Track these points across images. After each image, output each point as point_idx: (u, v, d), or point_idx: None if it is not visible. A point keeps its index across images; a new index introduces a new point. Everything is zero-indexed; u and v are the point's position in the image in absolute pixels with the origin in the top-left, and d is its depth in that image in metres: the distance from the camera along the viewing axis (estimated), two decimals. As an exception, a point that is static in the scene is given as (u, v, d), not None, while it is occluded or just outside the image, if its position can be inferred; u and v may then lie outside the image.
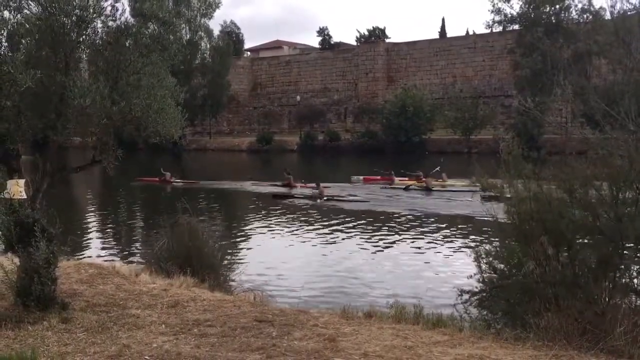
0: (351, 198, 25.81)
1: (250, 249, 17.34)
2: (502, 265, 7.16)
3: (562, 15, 50.88)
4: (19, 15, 6.51)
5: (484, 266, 7.29)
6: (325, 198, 25.40)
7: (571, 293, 6.08)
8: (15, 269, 6.33)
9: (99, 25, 6.84)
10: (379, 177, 31.01)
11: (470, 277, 7.64)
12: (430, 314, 6.61)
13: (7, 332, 5.70)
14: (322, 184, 26.47)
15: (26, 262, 6.14)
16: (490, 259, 7.27)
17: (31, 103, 6.48)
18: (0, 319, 5.92)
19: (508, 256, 7.02)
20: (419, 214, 22.76)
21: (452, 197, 25.64)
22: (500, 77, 63.70)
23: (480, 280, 7.31)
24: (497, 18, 53.45)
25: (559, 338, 5.41)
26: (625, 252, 5.94)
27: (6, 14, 6.29)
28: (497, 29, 56.53)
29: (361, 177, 31.32)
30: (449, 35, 78.11)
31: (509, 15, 52.90)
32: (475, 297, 7.25)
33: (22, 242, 6.16)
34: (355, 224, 21.21)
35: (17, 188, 6.39)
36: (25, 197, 6.52)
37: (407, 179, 29.68)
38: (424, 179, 28.50)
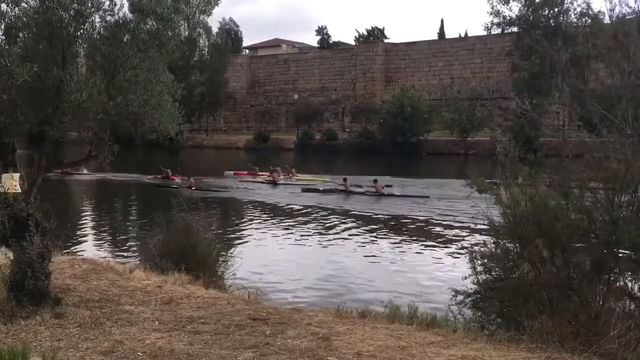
0: (214, 189, 29.59)
1: (245, 247, 17.33)
2: (496, 267, 7.16)
3: (561, 18, 50.99)
4: (16, 9, 6.47)
5: (478, 268, 7.29)
6: (194, 188, 28.83)
7: (565, 296, 6.08)
8: (8, 263, 6.30)
9: (97, 19, 6.80)
10: (245, 172, 35.02)
11: (465, 278, 7.64)
12: (424, 314, 6.61)
13: (-1, 326, 5.68)
14: (192, 177, 30.01)
15: (20, 256, 6.10)
16: (485, 260, 7.27)
17: (27, 97, 6.44)
18: (-8, 313, 5.90)
19: (503, 258, 7.02)
20: (369, 213, 23.39)
21: (294, 190, 29.51)
22: (498, 79, 63.80)
23: (475, 281, 7.31)
24: (495, 20, 53.62)
25: (553, 340, 5.41)
26: (619, 255, 5.94)
27: (4, 6, 6.25)
28: (496, 31, 56.62)
29: (232, 172, 35.11)
30: (447, 36, 78.25)
31: (508, 18, 53.04)
32: (470, 299, 7.25)
33: (16, 237, 6.13)
34: (350, 224, 21.22)
35: (12, 182, 6.35)
36: (20, 191, 6.48)
37: (267, 174, 33.37)
38: (270, 174, 32.77)
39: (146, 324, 5.91)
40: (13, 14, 6.41)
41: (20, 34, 6.52)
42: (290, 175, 33.30)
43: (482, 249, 7.52)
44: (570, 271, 6.12)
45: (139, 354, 5.01)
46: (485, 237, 7.66)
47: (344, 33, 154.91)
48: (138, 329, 5.71)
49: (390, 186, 29.03)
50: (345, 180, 28.33)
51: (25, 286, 6.04)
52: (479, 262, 7.29)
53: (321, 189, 29.03)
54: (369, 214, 23.44)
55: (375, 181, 27.71)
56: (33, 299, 6.10)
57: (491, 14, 53.13)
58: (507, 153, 7.08)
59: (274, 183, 31.61)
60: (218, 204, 25.90)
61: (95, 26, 6.66)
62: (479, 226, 8.10)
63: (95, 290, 7.03)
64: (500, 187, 7.03)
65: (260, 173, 34.27)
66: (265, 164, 41.95)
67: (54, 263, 6.76)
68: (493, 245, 7.36)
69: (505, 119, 55.76)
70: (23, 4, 6.51)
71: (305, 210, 24.29)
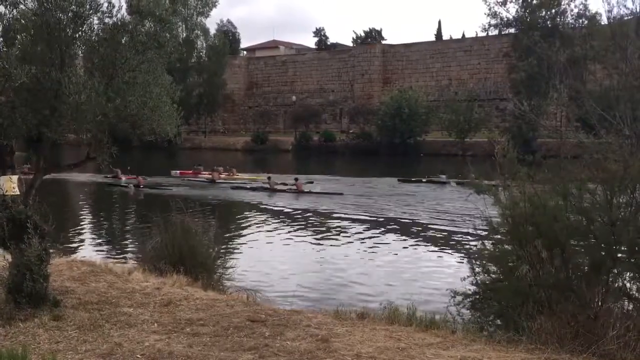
0: (158, 187, 31.49)
1: (242, 249, 17.31)
2: (495, 268, 7.17)
3: (558, 19, 51.07)
4: (14, 11, 6.48)
5: (477, 268, 7.30)
6: (142, 186, 30.85)
7: (564, 296, 6.09)
8: (7, 265, 6.28)
9: (95, 21, 6.81)
10: (190, 172, 36.52)
11: (464, 279, 7.64)
12: (423, 316, 6.60)
13: (-2, 328, 5.66)
14: (141, 177, 31.59)
15: (18, 258, 6.09)
16: (484, 261, 7.28)
17: (26, 99, 6.44)
18: (-9, 315, 5.88)
19: (502, 259, 7.02)
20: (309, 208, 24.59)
21: (230, 187, 31.73)
22: (495, 80, 63.87)
23: (474, 282, 7.32)
24: (493, 21, 53.65)
25: (552, 341, 5.42)
26: (618, 256, 5.95)
27: (2, 8, 6.26)
28: (493, 32, 56.72)
29: (178, 171, 36.52)
30: (445, 37, 78.36)
31: (505, 19, 53.10)
32: (468, 300, 7.26)
33: (15, 239, 6.12)
34: (349, 226, 21.22)
35: (10, 184, 6.36)
36: (19, 193, 6.48)
37: (208, 172, 35.24)
38: (210, 173, 34.56)
39: (145, 326, 5.90)
40: (11, 16, 6.42)
41: (19, 36, 6.51)
42: (231, 174, 35.33)
43: (481, 250, 7.54)
44: (569, 272, 6.13)
45: (138, 356, 5.00)
46: (484, 238, 7.66)
47: (342, 34, 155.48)
48: (137, 331, 5.69)
49: (312, 182, 31.73)
50: (269, 178, 30.66)
51: (24, 288, 6.03)
52: (478, 263, 7.30)
53: (248, 186, 31.28)
54: (291, 209, 24.65)
55: (296, 179, 29.82)
56: (31, 301, 6.08)
57: (488, 15, 53.21)
58: (506, 154, 7.09)
59: (212, 181, 33.43)
60: (213, 207, 25.85)
61: (94, 28, 6.66)
62: (477, 227, 8.09)
63: (93, 292, 7.02)
64: (499, 188, 7.04)
65: (203, 172, 35.98)
66: (263, 166, 42.11)
67: (52, 265, 6.75)
68: (492, 246, 7.38)
69: (502, 120, 55.88)
70: (21, 6, 6.52)
71: (302, 213, 24.29)
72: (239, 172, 36.77)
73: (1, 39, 6.49)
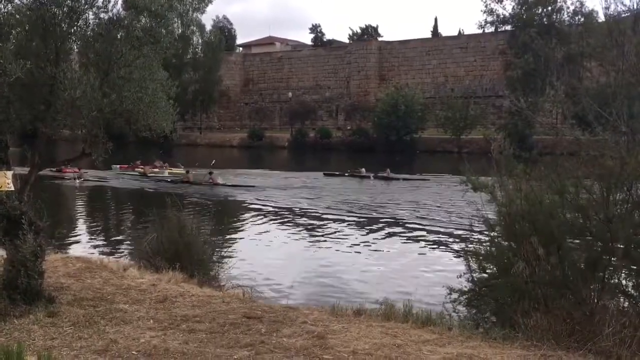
0: (96, 179, 33.37)
1: (238, 245, 17.28)
2: (491, 265, 7.17)
3: (555, 16, 51.16)
4: (9, 5, 6.42)
5: (473, 265, 7.30)
6: (82, 179, 32.36)
7: (560, 293, 6.10)
8: (1, 261, 6.25)
9: (91, 16, 6.75)
10: (127, 166, 38.16)
11: (460, 276, 7.64)
12: (419, 313, 6.61)
13: (-8, 325, 5.63)
14: (82, 170, 32.69)
15: (13, 254, 6.06)
16: (480, 258, 7.28)
17: (20, 94, 6.38)
18: (-15, 312, 5.85)
19: (498, 256, 7.02)
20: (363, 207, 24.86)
21: (155, 180, 34.38)
22: (491, 77, 63.95)
23: (470, 279, 7.32)
24: (489, 18, 53.83)
25: (548, 338, 5.42)
26: (614, 253, 5.96)
27: (-4, 3, 6.20)
28: (489, 29, 56.83)
29: (118, 166, 37.77)
30: (441, 34, 78.33)
31: (501, 16, 53.21)
32: (465, 296, 7.26)
33: (9, 235, 6.08)
34: (344, 222, 21.22)
35: (5, 180, 6.30)
36: (13, 189, 6.43)
37: (148, 166, 37.46)
38: (142, 167, 37.00)
39: (141, 322, 5.88)
40: (6, 10, 6.36)
41: (13, 31, 6.46)
42: (164, 168, 37.70)
43: (477, 247, 7.54)
44: (565, 269, 6.13)
45: (134, 352, 4.98)
46: (480, 235, 7.67)
47: (338, 31, 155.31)
48: (132, 328, 5.68)
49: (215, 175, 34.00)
50: (187, 172, 33.87)
51: (19, 285, 6.00)
52: (474, 260, 7.30)
53: (169, 180, 34.06)
54: (280, 207, 25.12)
55: (211, 173, 32.46)
56: (26, 297, 6.05)
57: (485, 12, 53.41)
58: (502, 151, 7.08)
59: (144, 175, 35.89)
60: (210, 204, 25.83)
61: (89, 23, 6.61)
62: (473, 224, 8.10)
63: (89, 288, 7.00)
64: (495, 185, 7.03)
65: (139, 167, 37.88)
66: (259, 162, 42.18)
67: (47, 261, 6.72)
68: (488, 243, 7.38)
69: (498, 117, 55.98)
70: (16, 1, 6.46)
71: (297, 209, 24.30)
72: (237, 168, 39.20)
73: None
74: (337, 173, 36.67)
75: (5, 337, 5.32)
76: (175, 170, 36.98)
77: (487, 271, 7.21)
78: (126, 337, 5.40)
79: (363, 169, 35.88)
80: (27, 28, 6.52)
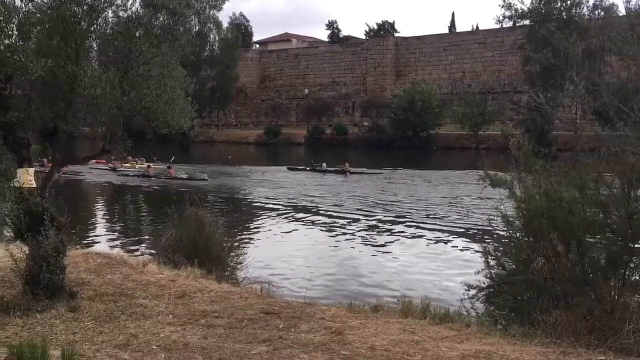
0: (72, 173, 33.68)
1: (255, 241, 17.37)
2: (510, 262, 7.13)
3: (574, 11, 50.51)
4: (30, 4, 6.50)
5: (491, 262, 7.27)
6: (61, 173, 35.17)
7: (580, 290, 6.05)
8: (24, 257, 6.34)
9: (110, 15, 6.81)
10: (103, 161, 37.65)
11: (478, 272, 7.61)
12: (437, 309, 6.59)
13: (15, 319, 5.72)
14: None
15: (35, 250, 6.15)
16: (499, 254, 7.24)
17: (41, 92, 6.47)
18: (9, 306, 5.94)
19: (516, 252, 6.98)
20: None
21: (121, 174, 36.14)
22: (509, 72, 63.37)
23: (488, 276, 7.29)
24: (507, 13, 53.23)
25: (567, 335, 5.38)
26: (635, 249, 5.89)
27: (17, 2, 6.28)
28: (507, 24, 56.21)
29: (94, 161, 38.34)
30: (458, 30, 77.77)
31: (520, 11, 52.62)
32: (483, 293, 7.24)
33: (32, 231, 6.16)
34: (362, 218, 21.20)
35: (27, 177, 6.40)
36: (35, 185, 6.53)
37: (111, 163, 37.88)
38: (112, 162, 37.10)
39: (160, 317, 5.93)
40: (27, 9, 6.44)
41: (34, 30, 6.53)
42: (135, 163, 38.39)
43: (496, 244, 7.50)
44: (585, 266, 6.08)
45: (154, 347, 5.03)
46: (498, 231, 7.62)
47: (354, 27, 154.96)
48: (152, 323, 5.73)
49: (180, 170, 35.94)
50: (148, 166, 35.65)
51: (41, 280, 6.09)
52: (492, 256, 7.27)
53: (131, 174, 35.55)
54: (295, 203, 25.59)
55: (169, 167, 34.50)
56: (48, 292, 6.14)
57: (503, 6, 52.82)
58: (521, 147, 7.03)
59: (114, 169, 37.44)
60: (228, 200, 26.00)
61: (109, 21, 6.67)
62: (491, 221, 8.07)
63: (109, 284, 7.07)
64: (514, 181, 6.99)
65: (113, 162, 38.42)
66: (275, 159, 42.53)
67: (68, 257, 6.81)
68: (507, 239, 7.34)
69: (517, 112, 55.37)
70: (36, 0, 6.54)
71: (313, 205, 24.33)
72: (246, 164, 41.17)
73: (16, 33, 6.51)
74: (299, 167, 38.55)
75: (28, 332, 5.40)
76: (151, 164, 37.91)
77: (505, 268, 7.18)
78: (146, 331, 5.45)
79: (324, 164, 37.27)
80: (47, 26, 6.59)
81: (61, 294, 6.22)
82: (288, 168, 38.65)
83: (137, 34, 6.76)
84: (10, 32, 6.37)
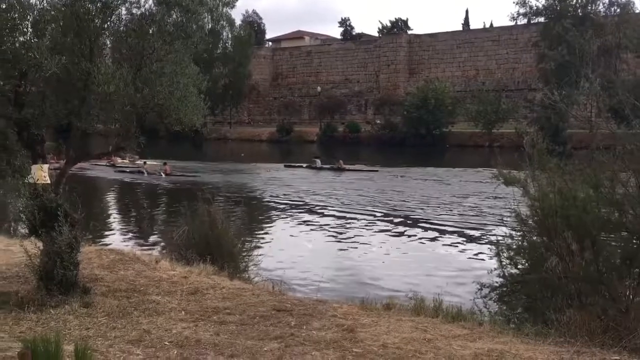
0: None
1: (267, 239, 17.39)
2: (523, 260, 7.08)
3: (589, 8, 50.01)
4: (44, 1, 6.54)
5: (504, 261, 7.22)
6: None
7: (594, 289, 5.99)
8: (38, 253, 6.39)
9: (123, 12, 6.85)
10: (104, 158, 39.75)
11: (491, 271, 7.57)
12: (449, 307, 6.56)
13: (30, 315, 5.78)
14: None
15: (49, 246, 6.20)
16: (512, 253, 7.19)
17: (56, 89, 6.52)
18: (23, 302, 6.00)
19: (530, 251, 6.93)
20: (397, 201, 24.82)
21: (116, 171, 36.85)
22: (524, 70, 62.87)
23: (501, 275, 7.25)
24: (522, 10, 52.75)
25: (581, 334, 5.33)
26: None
27: (32, -1, 6.33)
28: (522, 21, 55.78)
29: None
30: (472, 27, 77.31)
31: (534, 8, 52.16)
32: (495, 292, 7.20)
33: (46, 227, 6.22)
34: (373, 216, 21.16)
35: (41, 173, 6.46)
36: (49, 182, 6.58)
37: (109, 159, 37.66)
38: (113, 159, 37.07)
39: (173, 313, 5.97)
40: (41, 6, 6.48)
41: (49, 27, 6.58)
42: (132, 160, 38.34)
43: (509, 242, 7.44)
44: (599, 265, 6.02)
45: (166, 343, 5.06)
46: (512, 230, 7.56)
47: (368, 25, 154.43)
48: (165, 319, 5.77)
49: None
50: (145, 163, 35.72)
51: (55, 276, 6.14)
52: (505, 255, 7.22)
53: (128, 170, 36.17)
54: (307, 201, 25.62)
55: (165, 164, 34.95)
56: (62, 288, 6.19)
57: (517, 3, 52.33)
58: (535, 144, 6.97)
59: (113, 165, 37.75)
60: (238, 198, 26.09)
61: (122, 18, 6.70)
62: (505, 219, 8.01)
63: (122, 280, 7.12)
64: (528, 180, 6.93)
65: (112, 159, 38.57)
66: (288, 156, 42.71)
67: (82, 253, 6.86)
68: (520, 238, 7.28)
69: (531, 110, 54.88)
70: (51, -3, 6.58)
71: (323, 203, 24.33)
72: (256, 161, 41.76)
73: (31, 30, 6.56)
74: (295, 165, 38.77)
75: (42, 327, 5.46)
76: (145, 162, 37.98)
77: (518, 267, 7.13)
78: (159, 327, 5.48)
79: (318, 161, 37.54)
80: (61, 24, 6.64)
81: (75, 290, 6.27)
82: (285, 165, 38.98)
83: (151, 31, 6.79)
84: (25, 30, 6.42)
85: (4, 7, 6.23)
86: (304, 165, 37.98)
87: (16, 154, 6.55)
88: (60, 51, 6.18)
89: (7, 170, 6.45)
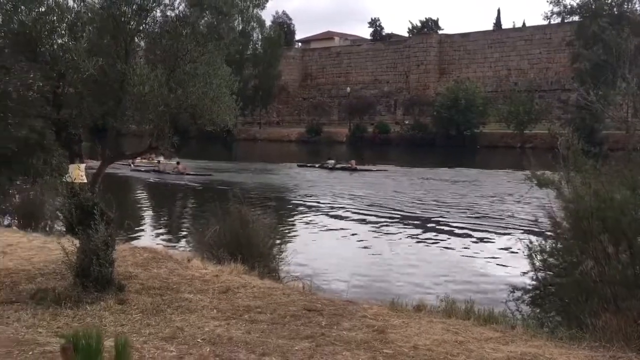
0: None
1: (296, 238, 17.45)
2: (557, 263, 6.97)
3: (626, 6, 48.92)
4: (82, 4, 6.70)
5: (537, 263, 7.12)
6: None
7: (631, 293, 5.86)
8: (75, 250, 6.53)
9: (158, 14, 6.97)
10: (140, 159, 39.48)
11: (523, 274, 7.47)
12: (481, 310, 6.48)
13: (66, 310, 5.92)
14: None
15: (85, 244, 6.33)
16: (545, 256, 7.08)
17: (92, 90, 6.66)
18: (60, 298, 6.15)
19: (564, 254, 6.82)
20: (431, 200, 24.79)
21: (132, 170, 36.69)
22: (557, 70, 61.83)
23: (534, 277, 7.15)
24: (555, 9, 51.89)
25: (617, 339, 5.22)
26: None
27: (70, 2, 6.48)
28: (556, 20, 54.87)
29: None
30: (504, 26, 76.33)
31: (569, 6, 51.25)
32: (528, 295, 7.10)
33: (82, 225, 6.35)
34: (400, 217, 21.06)
35: (78, 172, 6.61)
36: (86, 181, 6.73)
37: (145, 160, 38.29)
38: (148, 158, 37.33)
39: (205, 311, 6.03)
40: (79, 9, 6.64)
41: (86, 29, 6.73)
42: (150, 159, 38.07)
43: (542, 245, 7.33)
44: (636, 268, 5.89)
45: (199, 340, 5.12)
46: (545, 232, 7.45)
47: (398, 25, 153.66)
48: (197, 317, 5.84)
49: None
50: (159, 162, 36.07)
51: (91, 273, 6.27)
52: (538, 257, 7.11)
53: (143, 169, 36.92)
54: (332, 200, 25.61)
55: (178, 163, 35.20)
56: (98, 285, 6.32)
57: (551, 2, 51.50)
58: (570, 146, 6.86)
59: (130, 164, 37.26)
60: (268, 197, 26.25)
61: (157, 20, 6.82)
62: (537, 221, 7.90)
63: (155, 278, 7.23)
64: (562, 181, 6.82)
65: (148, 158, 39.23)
66: (317, 157, 42.97)
67: (116, 251, 6.98)
68: (554, 240, 7.17)
69: (565, 111, 53.91)
70: (88, 0, 6.74)
71: (347, 203, 24.30)
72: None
73: (68, 33, 6.72)
74: (308, 164, 39.46)
75: (78, 322, 5.58)
76: (158, 160, 38.27)
77: (552, 269, 7.02)
78: (191, 325, 5.55)
79: (332, 161, 37.91)
80: (98, 26, 6.79)
81: (110, 287, 6.40)
82: (298, 165, 39.54)
83: (184, 33, 6.90)
84: (62, 32, 6.59)
85: (43, 10, 6.40)
86: (317, 165, 38.49)
87: (53, 153, 6.71)
88: (96, 53, 6.33)
89: (46, 169, 6.61)
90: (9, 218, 13.14)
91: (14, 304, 6.11)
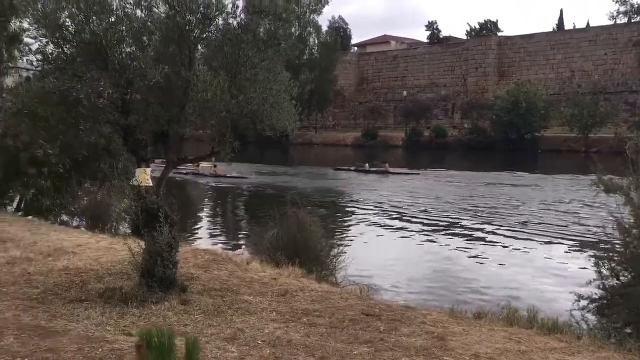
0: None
1: (353, 243, 17.45)
2: (626, 273, 6.70)
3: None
4: (148, 14, 6.95)
5: (605, 272, 6.86)
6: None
7: None
8: (141, 251, 6.75)
9: (220, 22, 7.15)
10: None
11: (589, 283, 7.22)
12: (545, 319, 6.30)
13: (133, 310, 6.11)
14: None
15: (151, 245, 6.53)
16: (613, 265, 6.82)
17: (158, 97, 6.89)
18: (127, 297, 6.36)
19: (633, 262, 6.55)
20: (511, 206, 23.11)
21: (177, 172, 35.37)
22: (624, 72, 59.46)
23: (601, 287, 6.89)
24: (622, 9, 50.08)
25: (691, 353, 4.98)
26: None
27: (139, 12, 6.74)
28: (622, 20, 52.85)
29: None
30: (567, 28, 74.04)
31: (636, 6, 49.30)
32: (595, 304, 6.86)
33: (148, 227, 6.56)
34: (457, 222, 20.73)
35: (145, 176, 6.83)
36: (152, 185, 6.95)
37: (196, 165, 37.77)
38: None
39: (264, 314, 6.11)
40: (146, 19, 6.89)
41: (153, 38, 6.98)
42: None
43: (610, 253, 7.07)
44: None
45: (259, 342, 5.20)
46: (613, 239, 7.17)
47: (455, 28, 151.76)
48: (257, 319, 5.92)
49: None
50: (198, 166, 35.55)
51: (156, 273, 6.45)
52: (606, 266, 6.86)
53: (184, 172, 36.42)
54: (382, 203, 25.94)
55: (215, 166, 36.08)
56: (162, 285, 6.50)
57: (617, 2, 49.76)
58: (639, 150, 6.59)
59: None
60: (325, 202, 26.35)
61: (220, 28, 7.00)
62: (604, 229, 7.62)
63: (216, 280, 7.37)
64: (632, 187, 6.56)
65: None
66: (372, 161, 43.28)
67: (179, 253, 7.17)
68: (622, 248, 6.90)
69: (632, 114, 51.82)
70: (155, 9, 6.99)
71: (401, 207, 24.09)
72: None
73: (132, 41, 6.97)
74: (344, 167, 40.72)
75: (144, 322, 5.75)
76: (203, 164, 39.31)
77: (620, 278, 6.76)
78: (252, 327, 5.63)
79: (367, 165, 38.94)
80: (164, 35, 7.03)
81: (174, 288, 6.57)
82: (334, 169, 40.42)
83: (246, 40, 7.04)
84: (130, 41, 6.85)
85: (113, 20, 6.68)
86: (352, 168, 39.37)
87: (120, 157, 6.99)
88: (162, 61, 6.54)
89: (113, 173, 6.89)
90: (78, 220, 13.72)
91: (83, 303, 6.36)
